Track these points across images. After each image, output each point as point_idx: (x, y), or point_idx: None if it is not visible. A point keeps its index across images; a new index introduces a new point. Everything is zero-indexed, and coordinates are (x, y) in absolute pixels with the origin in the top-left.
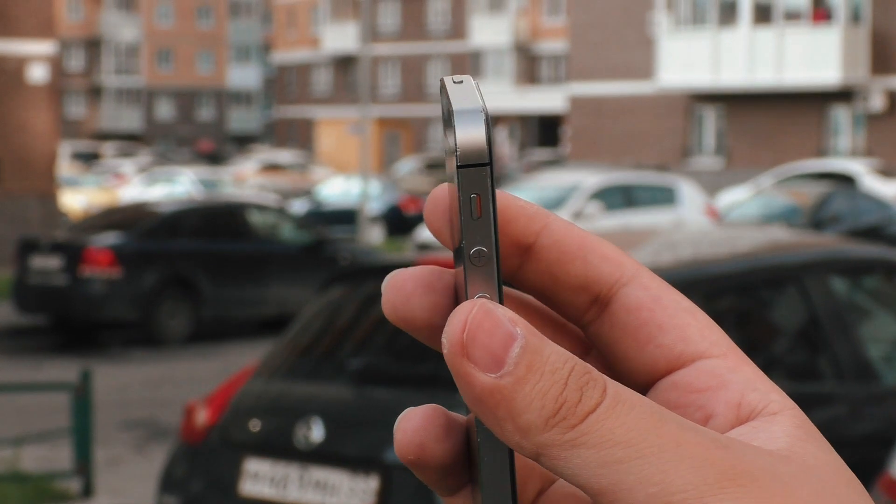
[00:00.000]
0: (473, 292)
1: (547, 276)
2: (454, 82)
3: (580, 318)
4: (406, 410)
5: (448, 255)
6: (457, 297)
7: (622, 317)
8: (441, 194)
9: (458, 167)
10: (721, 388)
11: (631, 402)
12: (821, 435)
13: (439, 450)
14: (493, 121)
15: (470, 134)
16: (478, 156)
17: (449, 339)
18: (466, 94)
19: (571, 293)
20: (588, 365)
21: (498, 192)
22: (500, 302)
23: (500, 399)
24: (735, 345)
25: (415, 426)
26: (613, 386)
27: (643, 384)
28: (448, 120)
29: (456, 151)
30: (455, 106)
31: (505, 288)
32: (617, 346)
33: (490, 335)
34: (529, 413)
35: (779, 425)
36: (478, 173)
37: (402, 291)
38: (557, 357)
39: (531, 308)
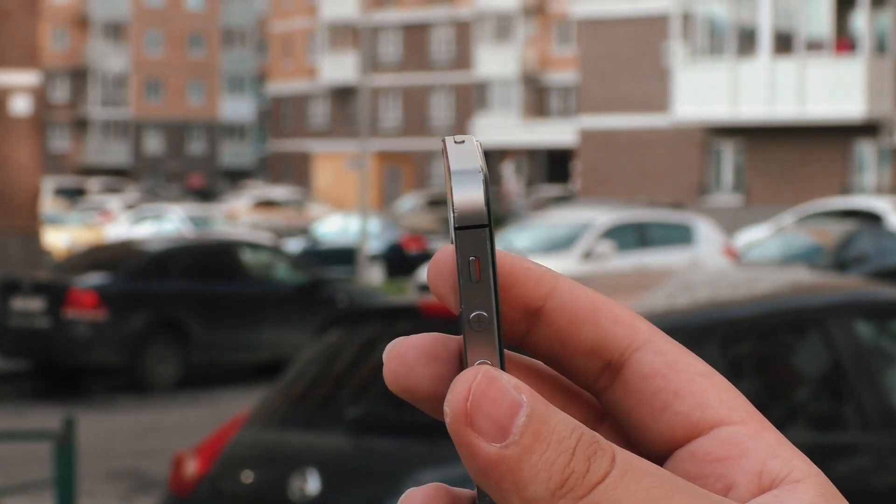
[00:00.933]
0: (474, 358)
1: (557, 341)
2: (455, 142)
3: (592, 384)
4: (407, 492)
5: None
6: (461, 366)
7: (636, 383)
8: (445, 257)
9: (455, 229)
10: (741, 457)
11: (641, 471)
12: (845, 501)
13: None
14: (491, 180)
15: (467, 195)
16: (476, 217)
17: (452, 407)
18: (466, 154)
19: (582, 358)
20: (596, 434)
21: (503, 253)
22: (503, 368)
23: (505, 470)
24: (755, 409)
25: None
26: (622, 454)
27: (660, 454)
28: (447, 179)
29: (453, 213)
30: (453, 167)
31: (511, 353)
32: (632, 414)
33: (495, 403)
34: (536, 485)
35: (801, 493)
36: (476, 235)
37: (404, 362)
38: (564, 426)
39: (540, 374)
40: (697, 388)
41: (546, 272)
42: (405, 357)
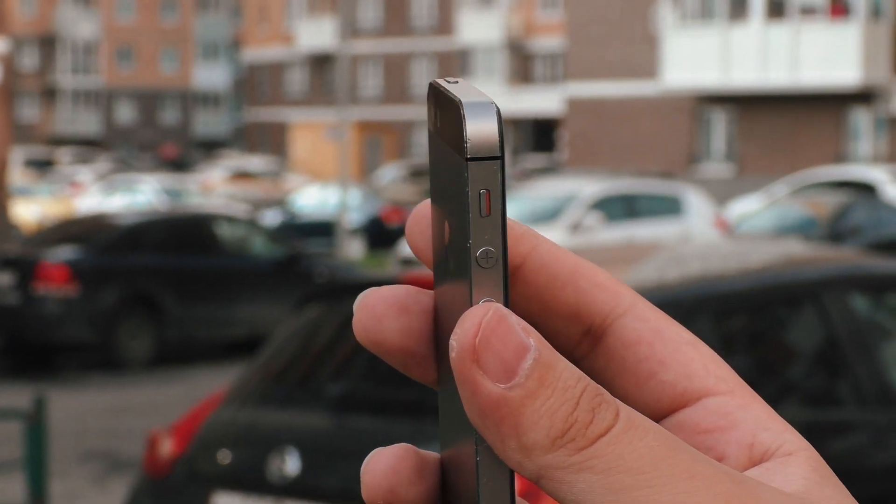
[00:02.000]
0: (479, 297)
1: (535, 303)
2: (449, 82)
3: (572, 350)
4: (373, 452)
5: None
6: (436, 320)
7: (619, 351)
8: (425, 210)
9: (467, 160)
10: (731, 428)
11: (644, 428)
12: (837, 478)
13: (411, 493)
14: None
15: (481, 125)
16: (489, 149)
17: (459, 342)
18: (469, 90)
19: (562, 322)
20: (600, 387)
21: None
22: (508, 307)
23: (506, 412)
24: (742, 380)
25: (384, 469)
26: (627, 410)
27: None
28: (449, 115)
29: (466, 143)
30: (464, 98)
31: None
32: (614, 382)
33: (503, 343)
34: (536, 431)
35: (794, 467)
36: (488, 168)
37: (373, 313)
38: (570, 374)
39: None
40: (683, 356)
41: (526, 231)
42: (375, 308)
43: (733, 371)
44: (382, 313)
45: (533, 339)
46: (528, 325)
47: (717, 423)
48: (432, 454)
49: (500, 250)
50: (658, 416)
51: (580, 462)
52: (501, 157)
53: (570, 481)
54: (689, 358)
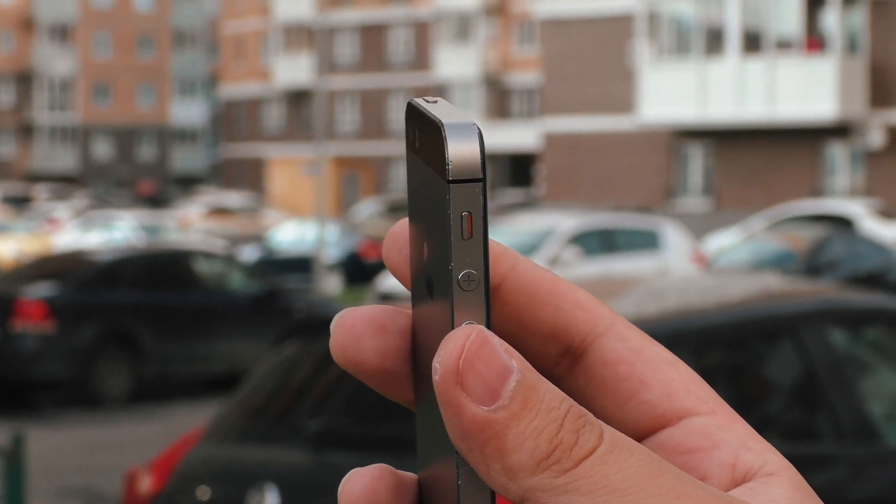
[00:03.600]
0: (461, 319)
1: (514, 322)
2: (428, 101)
3: (551, 369)
4: (350, 472)
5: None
6: (414, 339)
7: (599, 370)
8: (402, 229)
9: (449, 182)
10: (713, 449)
11: (629, 449)
12: (818, 498)
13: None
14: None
15: (463, 147)
16: (471, 171)
17: (443, 364)
18: (450, 111)
19: (541, 342)
20: (584, 409)
21: None
22: (491, 330)
23: (490, 435)
24: (723, 400)
25: (361, 490)
26: (611, 431)
27: None
28: (429, 135)
29: (448, 165)
30: (444, 119)
31: None
32: (594, 402)
33: (487, 365)
34: (521, 453)
35: (777, 487)
36: (470, 189)
37: (351, 333)
38: (553, 396)
39: None
40: (664, 376)
41: (506, 250)
42: (353, 328)
43: (713, 391)
44: (360, 333)
45: (516, 361)
46: (511, 348)
47: (698, 443)
48: (410, 475)
49: (481, 273)
50: (639, 436)
51: (565, 484)
52: (483, 180)
53: (555, 503)
54: (669, 378)
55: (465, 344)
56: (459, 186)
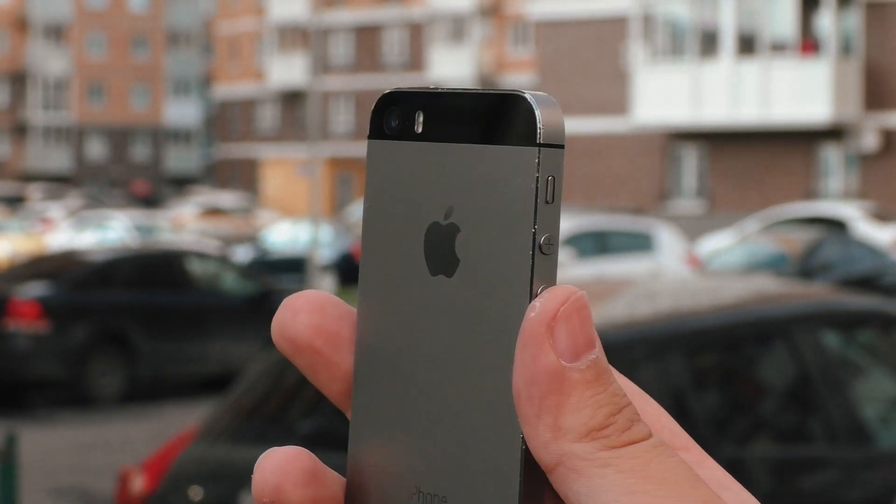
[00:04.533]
0: (538, 284)
1: None
2: (439, 88)
3: None
4: (269, 450)
5: None
6: (351, 324)
7: None
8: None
9: (540, 146)
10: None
11: (672, 452)
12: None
13: (298, 495)
14: None
15: (550, 114)
16: (558, 136)
17: (544, 305)
18: (497, 89)
19: None
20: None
21: None
22: None
23: (557, 387)
24: (688, 434)
25: (274, 466)
26: (658, 436)
27: None
28: (489, 108)
29: (539, 129)
30: (529, 93)
31: None
32: None
33: (581, 326)
34: (577, 416)
35: (718, 470)
36: (556, 155)
37: (291, 308)
38: (619, 386)
39: None
40: (637, 406)
41: None
42: (293, 304)
43: (679, 426)
44: (300, 308)
45: (597, 342)
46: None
47: None
48: (332, 471)
49: (557, 239)
50: None
51: (607, 458)
52: (563, 147)
53: (589, 474)
54: (641, 410)
55: (570, 298)
56: (548, 150)
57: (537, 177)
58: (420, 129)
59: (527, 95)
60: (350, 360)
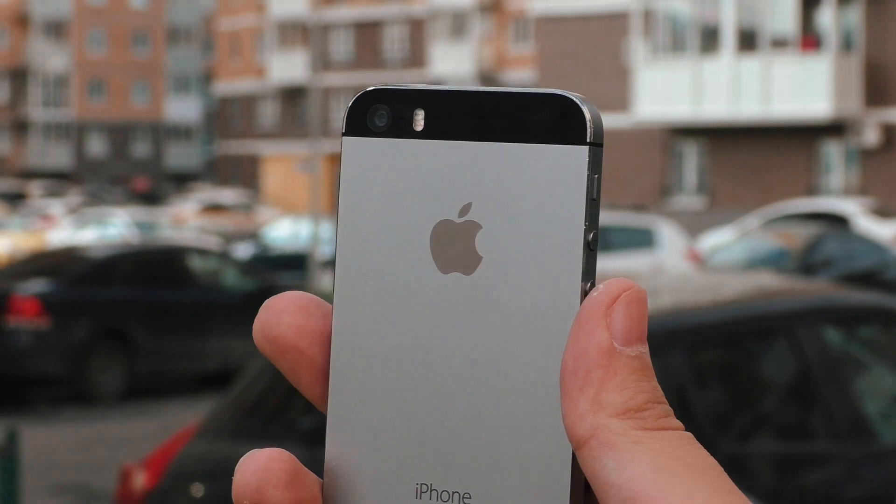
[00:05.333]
0: (585, 281)
1: None
2: (464, 87)
3: None
4: (250, 451)
5: None
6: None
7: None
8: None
9: (590, 144)
10: None
11: (701, 447)
12: None
13: (278, 498)
14: None
15: (595, 114)
16: (600, 136)
17: (606, 288)
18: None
19: None
20: None
21: None
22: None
23: (605, 363)
24: None
25: (255, 467)
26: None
27: None
28: (530, 108)
29: (589, 128)
30: (570, 94)
31: None
32: None
33: (638, 316)
34: (618, 394)
35: None
36: (599, 153)
37: (274, 309)
38: (659, 387)
39: None
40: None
41: None
42: (276, 306)
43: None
44: (283, 308)
45: (645, 342)
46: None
47: None
48: (311, 473)
49: (598, 234)
50: None
51: (640, 437)
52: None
53: (620, 448)
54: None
55: (632, 288)
56: (596, 149)
57: (587, 174)
58: (420, 127)
59: (571, 96)
60: None
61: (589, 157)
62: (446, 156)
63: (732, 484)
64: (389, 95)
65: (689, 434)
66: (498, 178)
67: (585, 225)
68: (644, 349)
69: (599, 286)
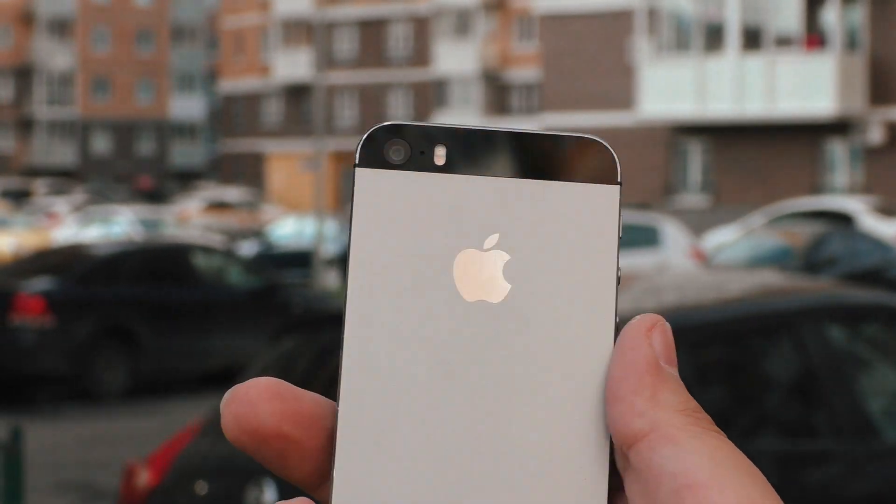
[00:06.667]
0: (616, 315)
1: None
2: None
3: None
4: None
5: None
6: (322, 403)
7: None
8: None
9: (619, 184)
10: None
11: (744, 455)
12: None
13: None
14: None
15: (618, 157)
16: (623, 176)
17: (646, 315)
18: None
19: None
20: None
21: None
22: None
23: (655, 371)
24: None
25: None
26: None
27: None
28: (563, 149)
29: (618, 169)
30: (589, 136)
31: None
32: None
33: (672, 343)
34: (673, 394)
35: None
36: (620, 193)
37: (245, 400)
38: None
39: None
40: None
41: None
42: (246, 395)
43: None
44: (256, 398)
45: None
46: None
47: None
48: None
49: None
50: None
51: (699, 431)
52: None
53: (680, 439)
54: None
55: (662, 320)
56: (621, 189)
57: (619, 213)
58: (442, 162)
59: (598, 139)
60: (319, 435)
61: (620, 196)
62: (470, 189)
63: (775, 493)
64: (407, 131)
65: (734, 444)
66: (525, 212)
67: (617, 263)
68: (676, 371)
69: (636, 317)
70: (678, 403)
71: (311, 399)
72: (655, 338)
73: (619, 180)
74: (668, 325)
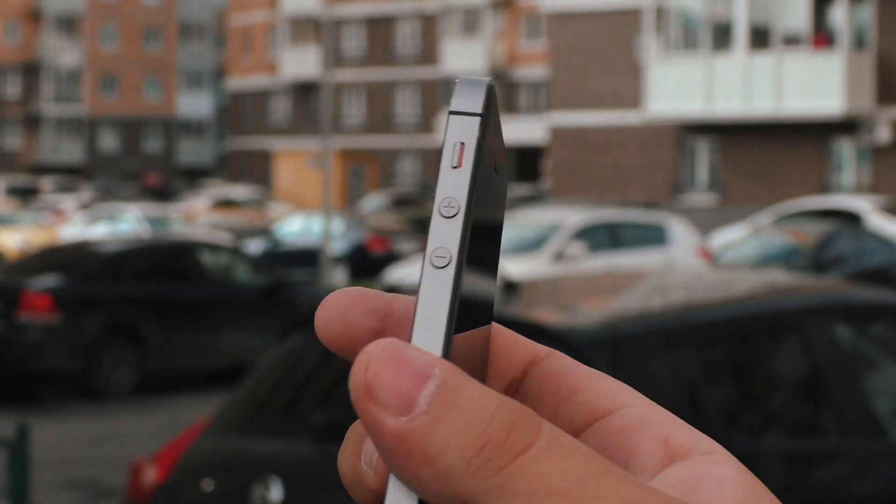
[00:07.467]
0: (434, 245)
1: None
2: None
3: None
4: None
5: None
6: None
7: (534, 388)
8: (342, 295)
9: (449, 112)
10: (643, 426)
11: (570, 447)
12: (763, 485)
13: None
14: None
15: (470, 86)
16: (472, 105)
17: (352, 380)
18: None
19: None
20: (522, 405)
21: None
22: (464, 261)
23: (413, 444)
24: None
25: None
26: (550, 427)
27: None
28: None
29: (451, 98)
30: (463, 76)
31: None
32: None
33: (399, 374)
34: (449, 455)
35: (722, 467)
36: (468, 122)
37: (337, 308)
38: (482, 394)
39: None
40: (597, 383)
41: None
42: (338, 304)
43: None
44: (347, 306)
45: (438, 367)
46: (437, 357)
47: (629, 422)
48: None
49: (463, 200)
50: (573, 433)
51: (502, 484)
52: (483, 116)
53: None
54: (601, 383)
55: (373, 355)
56: (457, 118)
57: (443, 143)
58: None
59: (459, 79)
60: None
61: (446, 125)
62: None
63: (621, 482)
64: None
65: (549, 435)
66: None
67: (435, 193)
68: (431, 383)
69: (350, 380)
70: (461, 461)
71: (401, 300)
72: (382, 394)
73: (449, 108)
74: (388, 350)
